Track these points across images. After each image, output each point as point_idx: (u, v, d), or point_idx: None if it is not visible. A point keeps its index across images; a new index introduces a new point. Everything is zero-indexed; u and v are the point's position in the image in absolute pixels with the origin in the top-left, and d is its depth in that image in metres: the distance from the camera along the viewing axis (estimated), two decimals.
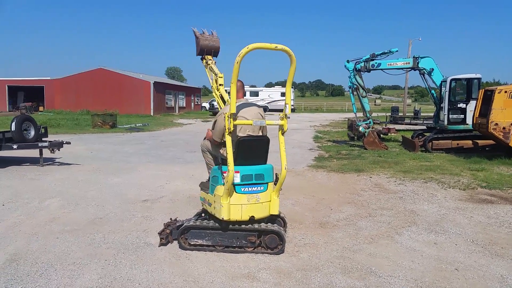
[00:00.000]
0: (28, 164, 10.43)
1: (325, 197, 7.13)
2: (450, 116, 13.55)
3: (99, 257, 4.41)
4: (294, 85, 63.97)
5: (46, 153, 10.45)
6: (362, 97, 14.76)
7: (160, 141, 16.82)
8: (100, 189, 7.61)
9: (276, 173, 4.77)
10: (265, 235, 4.52)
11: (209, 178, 5.09)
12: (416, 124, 22.46)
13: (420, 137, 14.77)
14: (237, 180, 4.35)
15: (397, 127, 21.05)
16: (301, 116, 39.03)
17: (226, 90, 5.52)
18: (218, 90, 5.86)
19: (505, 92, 10.82)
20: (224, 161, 4.58)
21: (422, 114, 27.87)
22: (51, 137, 11.71)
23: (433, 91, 15.03)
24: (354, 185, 8.12)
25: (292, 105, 38.16)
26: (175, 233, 4.71)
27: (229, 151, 4.23)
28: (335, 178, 8.82)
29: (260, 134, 4.76)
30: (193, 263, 4.29)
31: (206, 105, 49.94)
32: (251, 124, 4.43)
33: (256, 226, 4.54)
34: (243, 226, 4.52)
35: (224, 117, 4.45)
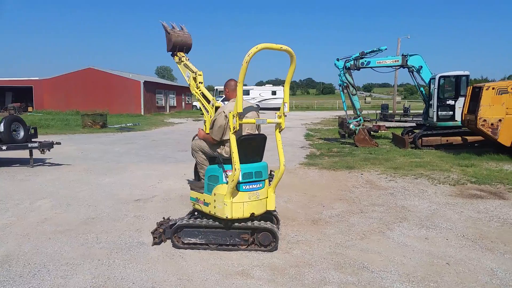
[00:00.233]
0: (18, 165, 10.32)
1: (317, 194, 7.17)
2: (439, 113, 13.70)
3: (92, 257, 4.39)
4: None
5: (36, 154, 10.35)
6: (352, 95, 14.84)
7: (151, 140, 16.75)
8: (92, 189, 7.57)
9: (270, 170, 4.84)
10: (258, 233, 4.54)
11: (199, 178, 5.09)
12: (406, 121, 22.70)
13: (410, 134, 14.91)
14: (240, 178, 4.39)
15: (387, 124, 21.27)
16: (292, 114, 39.13)
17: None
18: (198, 88, 5.75)
19: (493, 88, 10.97)
20: (225, 161, 4.58)
21: (411, 111, 28.13)
22: (41, 138, 11.60)
23: (422, 89, 15.18)
24: (346, 182, 8.18)
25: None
26: (168, 232, 4.71)
27: (234, 150, 4.25)
28: (327, 176, 8.88)
29: (257, 132, 4.82)
30: (186, 261, 4.29)
31: (198, 104, 49.74)
32: (254, 123, 4.49)
33: (249, 224, 4.56)
34: (236, 224, 4.54)
35: (224, 115, 4.49)
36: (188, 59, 6.04)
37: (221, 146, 4.72)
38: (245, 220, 4.56)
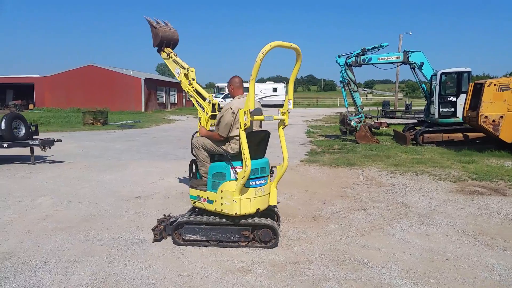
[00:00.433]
0: (19, 162, 10.35)
1: (318, 191, 7.17)
2: (440, 109, 13.66)
3: (93, 254, 4.41)
4: (286, 81, 63.97)
5: (37, 151, 10.37)
6: (353, 91, 14.82)
7: (152, 137, 16.76)
8: (93, 187, 7.58)
9: (271, 166, 4.87)
10: (258, 229, 4.55)
11: (193, 175, 5.06)
12: (407, 118, 22.64)
13: (411, 130, 14.89)
14: None
15: (389, 121, 21.21)
16: (293, 111, 38.64)
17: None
18: (191, 85, 5.68)
19: (495, 85, 10.93)
20: (233, 158, 4.58)
21: (413, 108, 28.10)
22: (41, 135, 11.61)
23: (423, 85, 15.15)
24: (346, 179, 8.18)
25: (284, 100, 38.12)
26: (169, 229, 4.72)
27: (245, 146, 4.26)
28: (328, 172, 8.88)
29: (260, 129, 4.83)
30: (187, 258, 4.30)
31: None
32: (263, 120, 4.52)
33: (250, 220, 4.57)
34: (236, 220, 4.55)
35: (232, 112, 4.52)
36: (176, 55, 5.96)
37: (227, 143, 4.71)
38: (251, 216, 4.60)
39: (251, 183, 4.48)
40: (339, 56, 14.83)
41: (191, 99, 5.80)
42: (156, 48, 6.03)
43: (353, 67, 14.71)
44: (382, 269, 4.01)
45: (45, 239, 4.86)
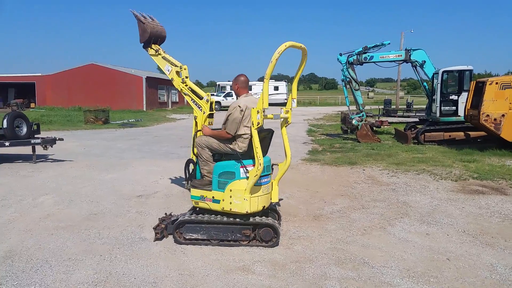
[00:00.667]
0: (20, 161, 10.38)
1: (319, 190, 7.18)
2: (442, 108, 13.65)
3: (94, 252, 4.43)
4: (287, 79, 63.92)
5: (39, 150, 10.38)
6: (355, 90, 14.79)
7: (154, 136, 16.78)
8: (94, 185, 7.60)
9: (272, 163, 4.93)
10: (259, 228, 4.56)
11: (200, 175, 5.03)
12: (408, 117, 22.64)
13: (413, 129, 14.88)
14: None
15: (390, 119, 21.18)
16: (294, 110, 38.54)
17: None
18: (185, 83, 5.60)
19: (496, 83, 10.91)
20: (243, 156, 4.57)
21: (414, 106, 28.06)
22: (43, 134, 11.63)
23: (425, 83, 15.11)
24: (348, 177, 8.18)
25: (285, 99, 38.17)
26: (170, 227, 4.73)
27: (258, 145, 4.28)
28: (329, 171, 8.88)
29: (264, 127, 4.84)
30: (188, 257, 4.31)
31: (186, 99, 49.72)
32: (272, 118, 4.58)
33: (251, 219, 4.58)
34: (237, 219, 4.56)
35: (240, 109, 4.56)
36: (165, 51, 5.81)
37: (234, 142, 4.70)
38: (258, 213, 4.63)
39: (259, 181, 4.50)
40: (340, 55, 14.81)
41: (186, 97, 5.69)
42: (143, 44, 5.84)
43: (354, 66, 14.68)
44: (382, 268, 4.02)
45: (46, 237, 4.88)
